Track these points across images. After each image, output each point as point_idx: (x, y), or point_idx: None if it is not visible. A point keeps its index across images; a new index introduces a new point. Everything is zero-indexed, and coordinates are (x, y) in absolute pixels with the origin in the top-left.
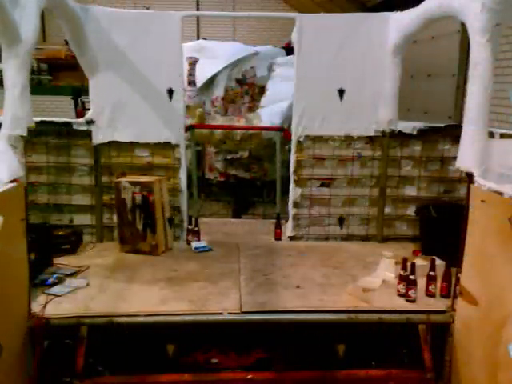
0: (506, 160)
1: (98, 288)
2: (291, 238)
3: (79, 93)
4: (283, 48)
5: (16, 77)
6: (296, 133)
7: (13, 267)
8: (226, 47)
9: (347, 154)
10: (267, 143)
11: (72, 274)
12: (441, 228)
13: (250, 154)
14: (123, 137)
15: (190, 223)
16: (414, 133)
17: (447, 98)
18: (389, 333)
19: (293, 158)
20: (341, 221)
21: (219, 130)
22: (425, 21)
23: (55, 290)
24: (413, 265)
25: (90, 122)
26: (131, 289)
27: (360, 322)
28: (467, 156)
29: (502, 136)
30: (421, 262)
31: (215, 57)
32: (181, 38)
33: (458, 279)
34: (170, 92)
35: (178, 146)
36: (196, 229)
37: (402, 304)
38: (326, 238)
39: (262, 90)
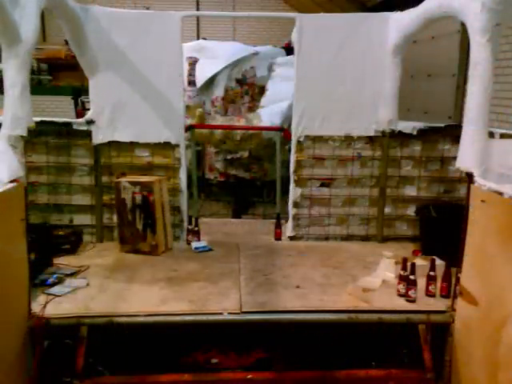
0: (506, 160)
1: (98, 288)
2: (291, 238)
3: (79, 93)
4: (283, 48)
5: (16, 77)
6: (296, 133)
7: (13, 267)
8: (226, 47)
9: (347, 154)
10: (267, 143)
11: (72, 274)
12: (441, 228)
13: (250, 154)
14: (123, 137)
15: (190, 223)
16: (414, 133)
17: (447, 98)
18: (389, 333)
19: (293, 157)
20: None
21: (219, 130)
22: (425, 21)
23: (55, 289)
24: (413, 265)
25: (90, 122)
26: (131, 289)
27: (360, 322)
28: (467, 156)
29: (502, 136)
30: (421, 262)
31: (215, 57)
32: (181, 38)
33: (458, 279)
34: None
35: (178, 146)
36: (196, 229)
37: (402, 304)
38: (326, 238)
39: (262, 90)
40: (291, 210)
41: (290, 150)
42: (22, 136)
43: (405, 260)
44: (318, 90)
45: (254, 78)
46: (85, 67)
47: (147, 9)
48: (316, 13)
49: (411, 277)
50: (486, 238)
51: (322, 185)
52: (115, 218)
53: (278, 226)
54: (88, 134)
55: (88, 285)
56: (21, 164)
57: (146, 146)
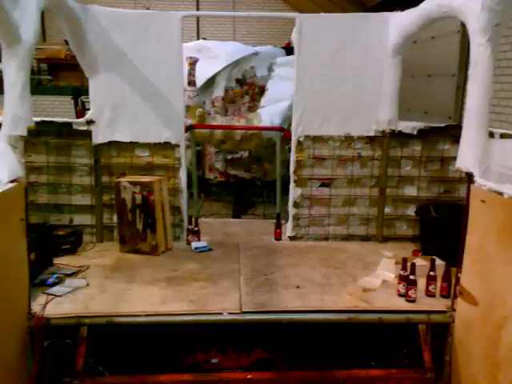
0: (506, 160)
1: (98, 288)
2: (291, 238)
3: (79, 93)
4: (283, 48)
5: (16, 77)
6: (296, 133)
7: (13, 267)
8: (226, 47)
9: (347, 154)
10: (267, 143)
11: (72, 274)
12: (441, 228)
13: (250, 154)
14: (123, 137)
15: (190, 223)
16: (414, 133)
17: (447, 98)
18: (389, 333)
19: (293, 157)
20: None
21: (219, 130)
22: (425, 21)
23: (55, 289)
24: (413, 265)
25: (90, 122)
26: (131, 289)
27: (360, 322)
28: (467, 156)
29: (502, 136)
30: (421, 262)
31: (215, 57)
32: (181, 38)
33: (458, 279)
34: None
35: (177, 146)
36: (196, 229)
37: (402, 304)
38: (326, 238)
39: (262, 90)
40: (291, 210)
41: (290, 150)
42: (22, 136)
43: (405, 260)
44: (317, 90)
45: (253, 77)
46: (85, 67)
47: (147, 9)
48: (316, 13)
49: (411, 277)
50: (485, 237)
51: (322, 185)
52: (115, 218)
53: (278, 225)
54: (88, 134)
55: (88, 285)
56: (21, 164)
57: (146, 145)
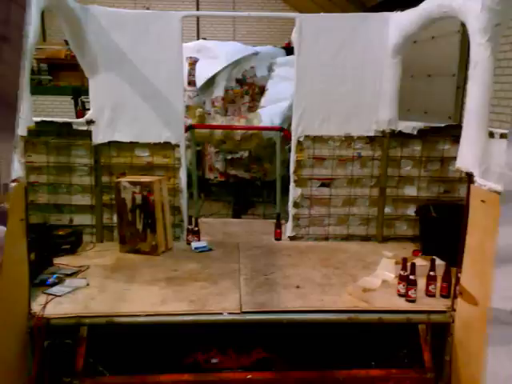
0: None
1: (98, 288)
2: (291, 238)
3: (79, 93)
4: (283, 48)
5: None
6: (296, 133)
7: (13, 267)
8: (226, 47)
9: (347, 154)
10: (267, 143)
11: (72, 274)
12: (441, 228)
13: (250, 154)
14: (123, 137)
15: (190, 223)
16: (414, 133)
17: (447, 98)
18: (389, 333)
19: (293, 157)
20: None
21: (219, 130)
22: (425, 21)
23: (55, 289)
24: (413, 265)
25: (90, 122)
26: (131, 289)
27: (360, 322)
28: (467, 156)
29: (502, 136)
30: (421, 262)
31: (215, 57)
32: (181, 38)
33: (458, 279)
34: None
35: (178, 146)
36: (196, 229)
37: (402, 304)
38: (326, 238)
39: (262, 90)
40: (291, 210)
41: (290, 150)
42: (22, 136)
43: (405, 260)
44: (317, 90)
45: (253, 77)
46: (85, 67)
47: (147, 9)
48: (316, 13)
49: (411, 277)
50: (485, 237)
51: (322, 185)
52: (115, 218)
53: (278, 225)
54: (88, 134)
55: (88, 285)
56: (21, 164)
57: (146, 145)
